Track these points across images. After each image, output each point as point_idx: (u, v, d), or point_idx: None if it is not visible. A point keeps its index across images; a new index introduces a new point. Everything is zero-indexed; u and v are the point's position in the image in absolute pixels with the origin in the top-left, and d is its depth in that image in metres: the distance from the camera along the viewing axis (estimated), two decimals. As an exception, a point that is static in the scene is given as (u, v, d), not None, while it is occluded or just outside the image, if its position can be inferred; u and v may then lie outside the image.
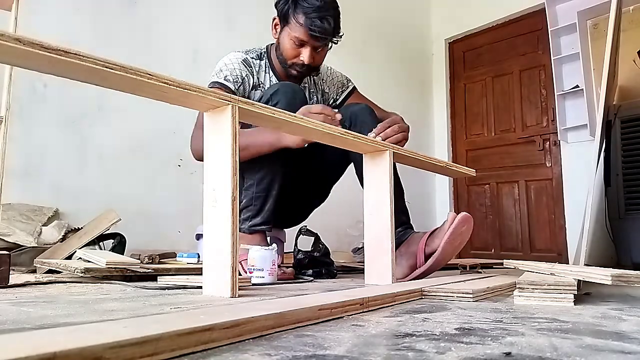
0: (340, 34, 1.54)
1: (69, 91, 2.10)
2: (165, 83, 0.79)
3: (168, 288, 1.06)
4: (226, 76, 1.51)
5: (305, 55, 1.50)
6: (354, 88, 1.78)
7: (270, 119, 1.00)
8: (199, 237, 1.83)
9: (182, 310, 0.71)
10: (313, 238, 1.62)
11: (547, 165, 3.72)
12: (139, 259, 1.39)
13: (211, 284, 0.90)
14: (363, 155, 1.33)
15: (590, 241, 1.53)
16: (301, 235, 1.63)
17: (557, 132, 3.56)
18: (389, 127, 1.41)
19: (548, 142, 3.73)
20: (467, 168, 1.65)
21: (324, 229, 1.77)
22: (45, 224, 1.82)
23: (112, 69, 0.72)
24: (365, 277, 1.28)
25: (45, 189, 2.01)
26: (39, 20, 2.03)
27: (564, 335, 0.55)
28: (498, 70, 4.10)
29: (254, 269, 1.23)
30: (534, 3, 3.73)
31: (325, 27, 1.45)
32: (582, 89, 3.33)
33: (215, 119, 0.93)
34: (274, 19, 1.57)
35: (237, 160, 0.90)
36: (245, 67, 1.55)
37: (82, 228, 1.81)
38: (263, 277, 1.23)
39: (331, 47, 1.59)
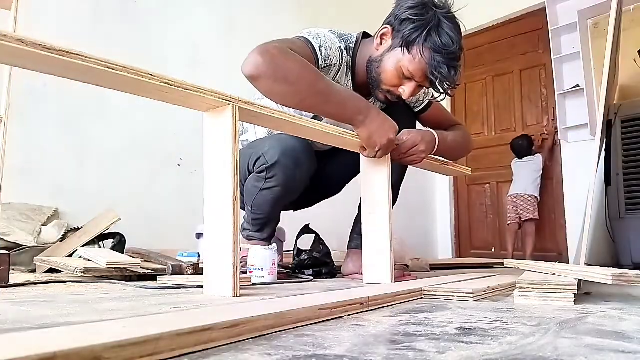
0: (457, 86, 1.32)
1: (68, 90, 2.10)
2: (166, 83, 0.79)
3: (168, 288, 1.06)
4: (321, 45, 1.26)
5: (407, 91, 1.29)
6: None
7: (270, 119, 1.00)
8: (199, 235, 1.83)
9: (182, 310, 0.71)
10: (313, 237, 1.62)
11: (548, 164, 3.72)
12: (179, 271, 1.29)
13: (213, 283, 0.90)
14: (361, 154, 1.32)
15: (590, 241, 1.53)
16: (302, 234, 1.63)
17: (557, 132, 3.56)
18: (410, 148, 1.31)
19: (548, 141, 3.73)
20: (463, 167, 1.65)
21: (324, 229, 1.76)
22: (45, 224, 1.82)
23: (113, 69, 0.72)
24: (363, 277, 1.28)
25: (45, 189, 2.00)
26: (38, 19, 2.03)
27: (565, 334, 0.55)
28: (498, 69, 4.10)
29: (254, 269, 1.23)
30: (535, 2, 3.73)
31: (451, 78, 1.26)
32: (583, 88, 3.33)
33: (215, 119, 0.93)
34: (385, 27, 1.31)
35: (238, 159, 0.90)
36: (340, 56, 1.33)
37: (82, 227, 1.80)
38: (263, 277, 1.23)
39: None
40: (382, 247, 1.25)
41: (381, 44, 1.31)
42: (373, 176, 1.30)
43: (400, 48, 1.25)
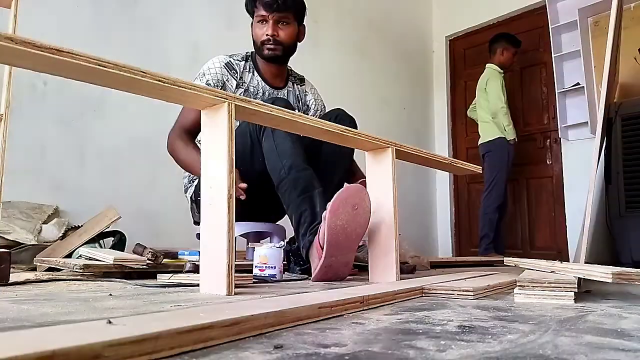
0: (300, 9, 1.67)
1: (68, 89, 2.09)
2: (160, 81, 0.78)
3: (167, 286, 1.06)
4: (207, 81, 1.60)
5: (269, 29, 1.62)
6: None
7: (267, 116, 1.00)
8: (200, 236, 1.84)
9: (182, 308, 0.71)
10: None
11: (548, 162, 3.72)
12: (141, 254, 1.36)
13: (208, 282, 0.90)
14: (366, 153, 1.32)
15: (590, 239, 1.53)
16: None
17: (557, 130, 3.56)
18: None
19: (549, 140, 3.73)
20: (473, 165, 1.64)
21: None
22: (45, 222, 1.82)
23: (105, 67, 0.72)
24: (369, 275, 1.28)
25: (45, 187, 2.00)
26: (38, 18, 2.02)
27: (565, 332, 0.55)
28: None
29: (265, 267, 1.23)
30: (535, 0, 3.73)
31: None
32: (583, 87, 3.32)
33: (211, 117, 0.92)
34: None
35: (234, 157, 0.90)
36: (227, 70, 1.65)
37: (82, 226, 1.81)
38: (275, 275, 1.23)
39: (303, 29, 1.72)
40: (386, 245, 1.24)
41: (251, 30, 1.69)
42: (377, 174, 1.30)
43: (252, 17, 1.67)
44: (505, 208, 3.40)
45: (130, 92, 0.83)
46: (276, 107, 1.00)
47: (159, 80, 0.78)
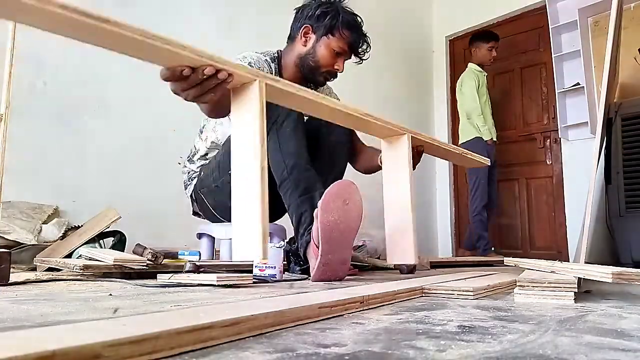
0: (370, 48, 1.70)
1: (68, 89, 2.09)
2: (181, 49, 0.76)
3: (167, 286, 1.06)
4: (250, 63, 1.52)
5: (341, 64, 1.64)
6: None
7: (295, 96, 0.98)
8: (200, 236, 1.84)
9: (182, 308, 0.71)
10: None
11: (548, 162, 3.72)
12: (141, 254, 1.37)
13: (242, 249, 0.85)
14: (382, 140, 1.33)
15: (590, 239, 1.53)
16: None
17: (557, 130, 3.56)
18: None
19: (549, 140, 3.73)
20: (482, 157, 1.65)
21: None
22: (45, 222, 1.82)
23: (125, 29, 0.70)
24: (387, 258, 1.30)
25: (45, 187, 2.00)
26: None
27: (564, 332, 0.55)
28: (499, 67, 4.08)
29: (265, 267, 1.23)
30: (535, 0, 3.73)
31: (365, 43, 1.66)
32: (583, 87, 3.32)
33: (241, 94, 0.89)
34: (304, 26, 1.62)
35: (265, 130, 0.86)
36: (267, 66, 1.61)
37: (82, 226, 1.81)
38: (275, 275, 1.23)
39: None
40: (404, 228, 1.25)
41: (306, 40, 1.63)
42: (393, 161, 1.31)
43: (325, 36, 1.60)
44: (494, 207, 3.41)
45: (147, 61, 0.78)
46: (302, 87, 0.98)
47: (198, 55, 0.78)
